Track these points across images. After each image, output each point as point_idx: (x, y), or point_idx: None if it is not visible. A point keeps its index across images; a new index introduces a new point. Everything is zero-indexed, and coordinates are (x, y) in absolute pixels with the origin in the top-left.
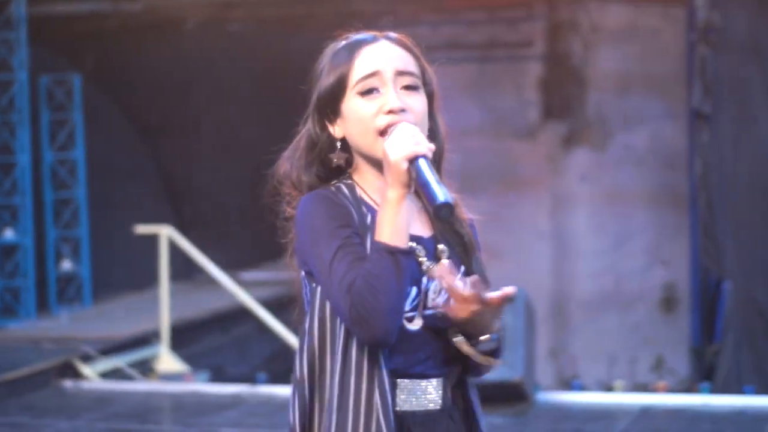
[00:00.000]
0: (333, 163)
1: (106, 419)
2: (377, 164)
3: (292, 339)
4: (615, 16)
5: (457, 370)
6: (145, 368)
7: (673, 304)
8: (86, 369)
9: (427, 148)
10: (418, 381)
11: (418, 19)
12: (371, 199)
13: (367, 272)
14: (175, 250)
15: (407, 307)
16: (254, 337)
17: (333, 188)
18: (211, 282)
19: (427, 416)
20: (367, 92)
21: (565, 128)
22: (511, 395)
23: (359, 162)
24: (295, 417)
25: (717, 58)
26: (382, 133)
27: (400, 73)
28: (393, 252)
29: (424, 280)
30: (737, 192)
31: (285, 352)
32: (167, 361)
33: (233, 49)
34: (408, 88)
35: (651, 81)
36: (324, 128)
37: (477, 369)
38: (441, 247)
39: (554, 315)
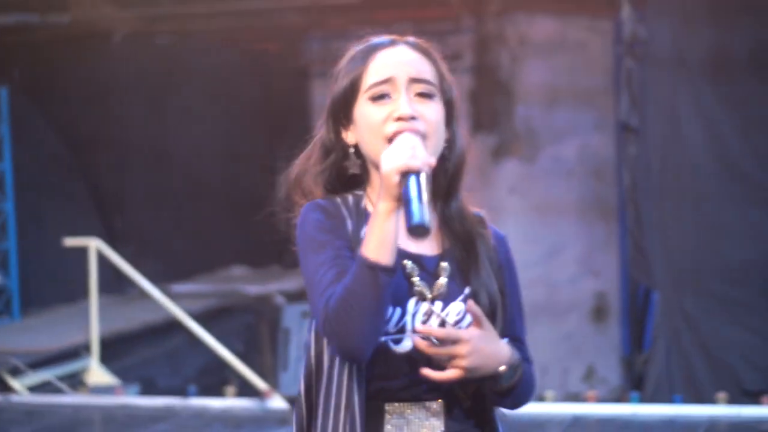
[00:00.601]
0: (348, 171)
1: None
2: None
3: (223, 351)
4: (542, 29)
5: (469, 395)
6: (75, 381)
7: (604, 314)
8: (15, 382)
9: (423, 162)
10: (410, 405)
11: (346, 32)
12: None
13: (344, 287)
14: (105, 263)
15: (392, 328)
16: (185, 350)
17: (339, 199)
18: (142, 295)
19: None
20: (379, 98)
21: (494, 140)
22: None
23: (371, 171)
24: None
25: (643, 70)
26: (390, 140)
27: (414, 80)
28: (373, 267)
29: (413, 301)
30: (665, 203)
31: (217, 364)
32: (97, 374)
33: (162, 62)
34: (422, 95)
35: (579, 93)
36: (338, 135)
37: (496, 399)
38: (443, 264)
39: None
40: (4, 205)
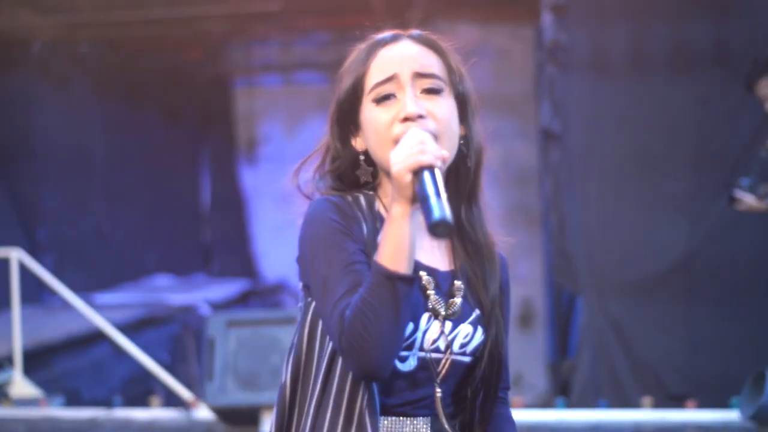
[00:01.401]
0: (361, 180)
1: None
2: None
3: (148, 362)
4: (464, 36)
5: (462, 418)
6: None
7: (530, 320)
8: None
9: (435, 156)
10: (403, 420)
11: (268, 38)
12: (381, 215)
13: (361, 298)
14: (26, 274)
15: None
16: (110, 361)
17: (350, 197)
18: (66, 305)
19: None
20: (383, 99)
21: None
22: None
23: (382, 176)
24: (273, 423)
25: (564, 77)
26: (398, 142)
27: (419, 75)
28: (391, 277)
29: (426, 316)
30: (588, 209)
31: (142, 375)
32: (21, 386)
33: (83, 69)
34: (429, 91)
35: (501, 100)
36: (345, 142)
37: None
38: (458, 283)
39: None
40: None
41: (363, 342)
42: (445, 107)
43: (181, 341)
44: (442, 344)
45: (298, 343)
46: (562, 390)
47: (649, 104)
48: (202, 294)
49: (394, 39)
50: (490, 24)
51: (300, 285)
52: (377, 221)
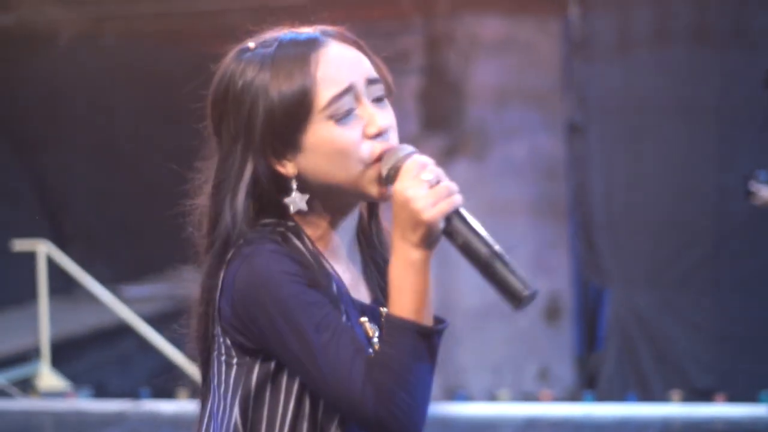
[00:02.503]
0: (290, 210)
1: None
2: (344, 205)
3: (175, 354)
4: (491, 29)
5: None
6: (26, 386)
7: (557, 314)
8: None
9: (457, 192)
10: None
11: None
12: (323, 257)
13: (392, 360)
14: (54, 266)
15: None
16: (137, 353)
17: (279, 238)
18: (93, 297)
19: None
20: (345, 115)
21: (444, 140)
22: None
23: (315, 206)
24: None
25: (590, 70)
26: (374, 162)
27: (370, 82)
28: (428, 335)
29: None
30: (615, 202)
31: (169, 367)
32: (48, 378)
33: (108, 63)
34: (378, 99)
35: (528, 93)
36: (269, 165)
37: None
38: (385, 310)
39: None
40: None
41: (408, 409)
42: (392, 114)
43: None
44: None
45: (228, 415)
46: (590, 383)
47: (673, 96)
48: None
49: (320, 40)
50: (516, 17)
51: (220, 341)
52: (323, 262)
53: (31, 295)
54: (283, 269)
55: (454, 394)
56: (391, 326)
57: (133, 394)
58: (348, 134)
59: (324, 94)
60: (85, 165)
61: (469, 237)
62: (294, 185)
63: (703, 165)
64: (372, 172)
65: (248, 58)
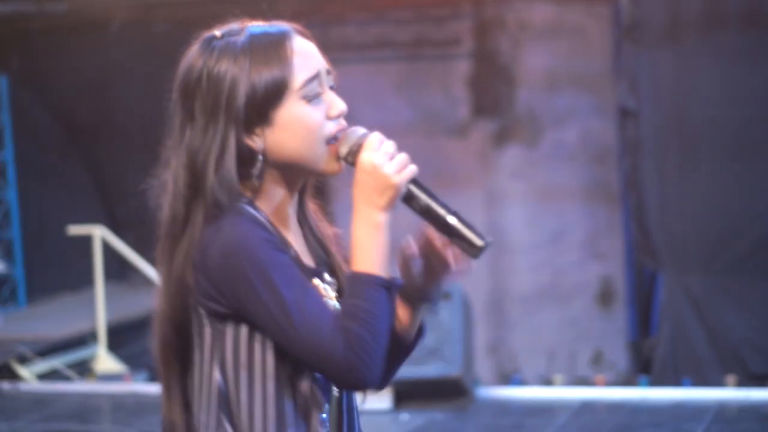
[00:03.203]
0: (254, 181)
1: (45, 421)
2: (298, 180)
3: None
4: (541, 14)
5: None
6: (83, 369)
7: (610, 299)
8: (23, 370)
9: (412, 165)
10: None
11: (344, 18)
12: (275, 228)
13: (360, 310)
14: (109, 251)
15: None
16: None
17: (242, 210)
18: (148, 282)
19: None
20: (314, 97)
21: (495, 126)
22: (451, 391)
23: (272, 180)
24: None
25: (641, 54)
26: (329, 141)
27: (328, 72)
28: (388, 286)
29: None
30: (667, 186)
31: None
32: (105, 361)
33: (159, 49)
34: (332, 88)
35: (578, 78)
36: (239, 140)
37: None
38: (327, 277)
39: (492, 311)
40: (6, 194)
41: (372, 353)
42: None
43: None
44: None
45: (224, 382)
46: (644, 368)
47: (725, 78)
48: None
49: (289, 31)
50: (566, 1)
51: (199, 311)
52: (276, 230)
53: (88, 280)
54: (254, 235)
55: (509, 378)
56: (359, 281)
57: None
58: (315, 113)
59: (299, 77)
60: (138, 149)
61: (428, 200)
62: (260, 158)
63: (757, 149)
64: (331, 150)
65: (222, 46)
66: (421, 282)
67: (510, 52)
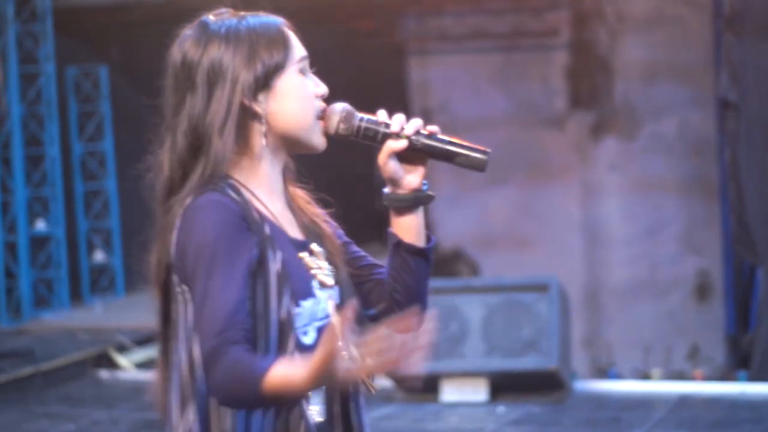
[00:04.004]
0: (255, 147)
1: (142, 409)
2: (287, 153)
3: None
4: (640, 5)
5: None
6: None
7: (708, 292)
8: (122, 359)
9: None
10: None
11: (442, 9)
12: (262, 203)
13: (243, 376)
14: None
15: (307, 320)
16: None
17: (220, 189)
18: None
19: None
20: (306, 72)
21: (592, 117)
22: (548, 384)
23: (267, 147)
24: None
25: (742, 45)
26: (318, 116)
27: (308, 58)
28: (298, 394)
29: (318, 291)
30: None
31: None
32: None
33: None
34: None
35: (677, 69)
36: (247, 103)
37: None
38: (320, 250)
39: (588, 303)
40: (106, 184)
41: (231, 400)
42: None
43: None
44: (329, 308)
45: (187, 359)
46: (743, 363)
47: None
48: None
49: (284, 22)
50: None
51: (184, 288)
52: (252, 211)
53: None
54: (224, 222)
55: (604, 371)
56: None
57: None
58: (309, 85)
59: (296, 52)
60: None
61: (432, 144)
62: (263, 121)
63: None
64: (319, 125)
65: (225, 25)
66: (406, 183)
67: (608, 43)
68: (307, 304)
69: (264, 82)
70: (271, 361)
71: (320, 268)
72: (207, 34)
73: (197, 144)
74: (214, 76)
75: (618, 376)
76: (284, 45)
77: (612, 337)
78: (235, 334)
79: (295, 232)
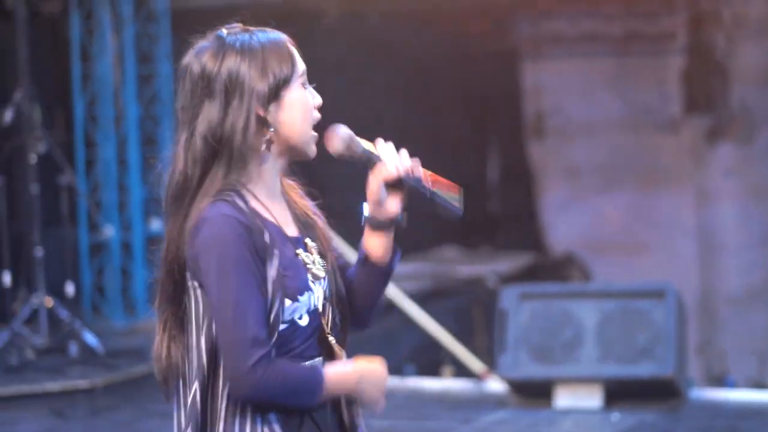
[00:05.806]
0: (262, 154)
1: None
2: (287, 160)
3: (440, 332)
4: (758, 9)
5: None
6: None
7: None
8: None
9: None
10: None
11: (556, 12)
12: (264, 207)
13: (289, 381)
14: None
15: (298, 314)
16: (400, 329)
17: (229, 200)
18: None
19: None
20: (306, 86)
21: (708, 122)
22: (663, 391)
23: (271, 154)
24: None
25: None
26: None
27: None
28: (324, 391)
29: (313, 284)
30: None
31: (431, 345)
32: None
33: (370, 42)
34: None
35: None
36: (261, 112)
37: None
38: (311, 243)
39: (701, 310)
40: None
41: (273, 401)
42: None
43: (467, 313)
44: (321, 299)
45: (197, 354)
46: None
47: None
48: (490, 266)
49: (287, 38)
50: None
51: (194, 283)
52: (256, 219)
53: None
54: (235, 232)
55: (718, 379)
56: (316, 371)
57: (397, 371)
58: (309, 98)
59: (300, 66)
60: None
61: (416, 187)
62: (271, 130)
63: None
64: (314, 135)
65: (240, 39)
66: (388, 208)
67: (725, 47)
68: (303, 298)
69: (275, 93)
70: (320, 368)
71: (313, 262)
72: (224, 47)
73: (215, 148)
74: (232, 86)
75: (734, 385)
76: (291, 59)
77: (725, 344)
78: (267, 342)
79: (291, 230)
